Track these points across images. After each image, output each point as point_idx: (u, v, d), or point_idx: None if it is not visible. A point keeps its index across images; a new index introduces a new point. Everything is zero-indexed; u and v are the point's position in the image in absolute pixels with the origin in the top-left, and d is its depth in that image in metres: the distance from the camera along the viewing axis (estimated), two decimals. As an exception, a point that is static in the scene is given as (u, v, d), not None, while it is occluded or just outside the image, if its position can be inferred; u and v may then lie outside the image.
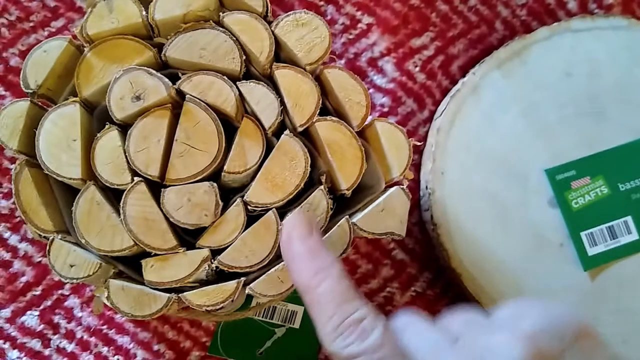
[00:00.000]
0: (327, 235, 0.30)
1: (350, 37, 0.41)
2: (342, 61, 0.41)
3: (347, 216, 0.30)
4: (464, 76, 0.41)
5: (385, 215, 0.30)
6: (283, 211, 0.30)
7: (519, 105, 0.39)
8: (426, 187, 0.39)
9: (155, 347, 0.39)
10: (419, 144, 0.40)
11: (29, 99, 0.30)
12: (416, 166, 0.41)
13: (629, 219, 0.39)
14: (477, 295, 0.37)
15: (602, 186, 0.39)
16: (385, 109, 0.41)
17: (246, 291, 0.30)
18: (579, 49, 0.40)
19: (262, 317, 0.39)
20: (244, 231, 0.30)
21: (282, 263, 0.29)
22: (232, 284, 0.29)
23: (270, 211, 0.30)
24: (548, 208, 0.38)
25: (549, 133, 0.39)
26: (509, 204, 0.38)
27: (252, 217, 0.30)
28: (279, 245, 0.29)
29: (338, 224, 0.30)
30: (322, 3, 0.41)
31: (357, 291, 0.26)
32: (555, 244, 0.38)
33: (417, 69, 0.42)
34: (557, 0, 0.43)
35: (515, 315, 0.24)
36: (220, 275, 0.31)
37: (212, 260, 0.30)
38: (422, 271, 0.41)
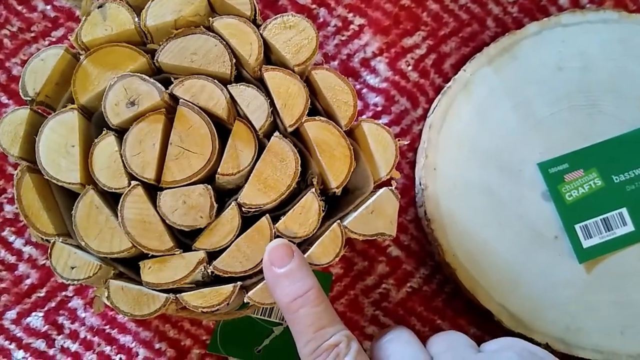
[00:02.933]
0: (320, 239, 0.30)
1: (343, 38, 0.42)
2: (336, 62, 0.42)
3: (339, 220, 0.31)
4: (456, 74, 0.41)
5: (376, 216, 0.31)
6: (277, 214, 0.31)
7: (511, 100, 0.39)
8: (420, 184, 0.39)
9: (157, 346, 0.39)
10: (406, 143, 0.41)
11: (28, 106, 0.31)
12: (411, 164, 0.42)
13: (624, 210, 0.39)
14: (473, 290, 0.38)
15: (595, 178, 0.39)
16: (379, 109, 0.42)
17: (244, 300, 0.30)
18: (570, 43, 0.40)
19: (261, 315, 0.39)
20: (239, 233, 0.30)
21: None
22: (228, 288, 0.30)
23: (264, 217, 0.30)
24: (542, 201, 0.39)
25: (541, 127, 0.39)
26: (503, 198, 0.38)
27: (248, 219, 0.31)
28: None
29: (330, 228, 0.30)
30: (314, 6, 0.42)
31: (334, 315, 0.28)
32: (550, 237, 0.38)
33: (410, 67, 0.42)
34: (549, -4, 0.43)
35: (503, 346, 0.26)
36: (217, 278, 0.31)
37: (208, 263, 0.30)
38: (418, 267, 0.41)
